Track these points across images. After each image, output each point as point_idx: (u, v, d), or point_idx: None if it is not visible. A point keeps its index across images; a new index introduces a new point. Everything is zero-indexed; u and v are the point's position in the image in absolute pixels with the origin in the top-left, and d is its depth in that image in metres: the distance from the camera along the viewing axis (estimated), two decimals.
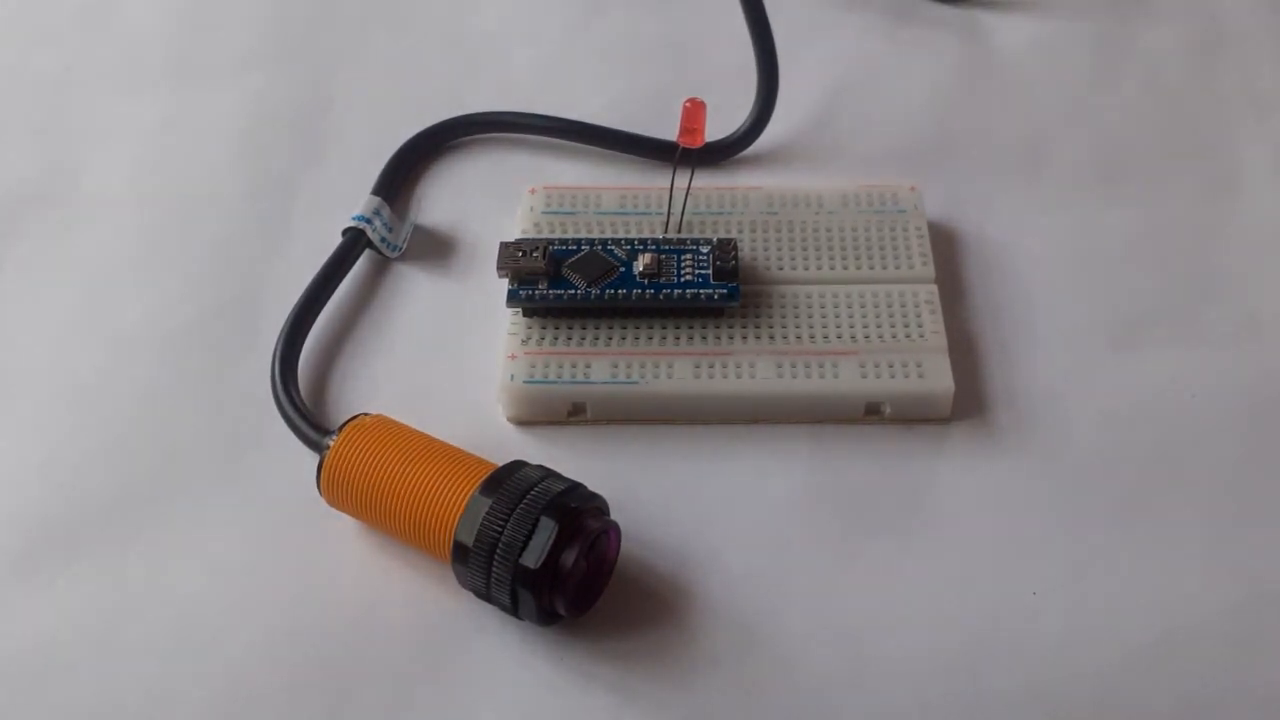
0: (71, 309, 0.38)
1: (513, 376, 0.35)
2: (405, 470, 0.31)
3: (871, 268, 0.37)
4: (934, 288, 0.37)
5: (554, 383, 0.35)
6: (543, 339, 0.36)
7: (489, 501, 0.30)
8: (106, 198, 0.41)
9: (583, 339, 0.36)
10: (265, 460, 0.35)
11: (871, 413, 0.35)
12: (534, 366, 0.35)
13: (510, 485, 0.30)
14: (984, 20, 0.47)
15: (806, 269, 0.37)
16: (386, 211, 0.39)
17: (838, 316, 0.36)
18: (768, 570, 0.32)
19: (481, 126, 0.43)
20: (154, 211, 0.41)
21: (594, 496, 0.31)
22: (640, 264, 0.36)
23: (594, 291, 0.36)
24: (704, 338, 0.36)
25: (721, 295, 0.36)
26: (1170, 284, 0.38)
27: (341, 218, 0.39)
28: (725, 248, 0.36)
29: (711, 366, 0.35)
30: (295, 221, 0.41)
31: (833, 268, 0.37)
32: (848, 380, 0.35)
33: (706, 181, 0.39)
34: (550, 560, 0.29)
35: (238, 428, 0.35)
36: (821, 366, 0.35)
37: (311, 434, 0.33)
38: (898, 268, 0.37)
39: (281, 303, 0.37)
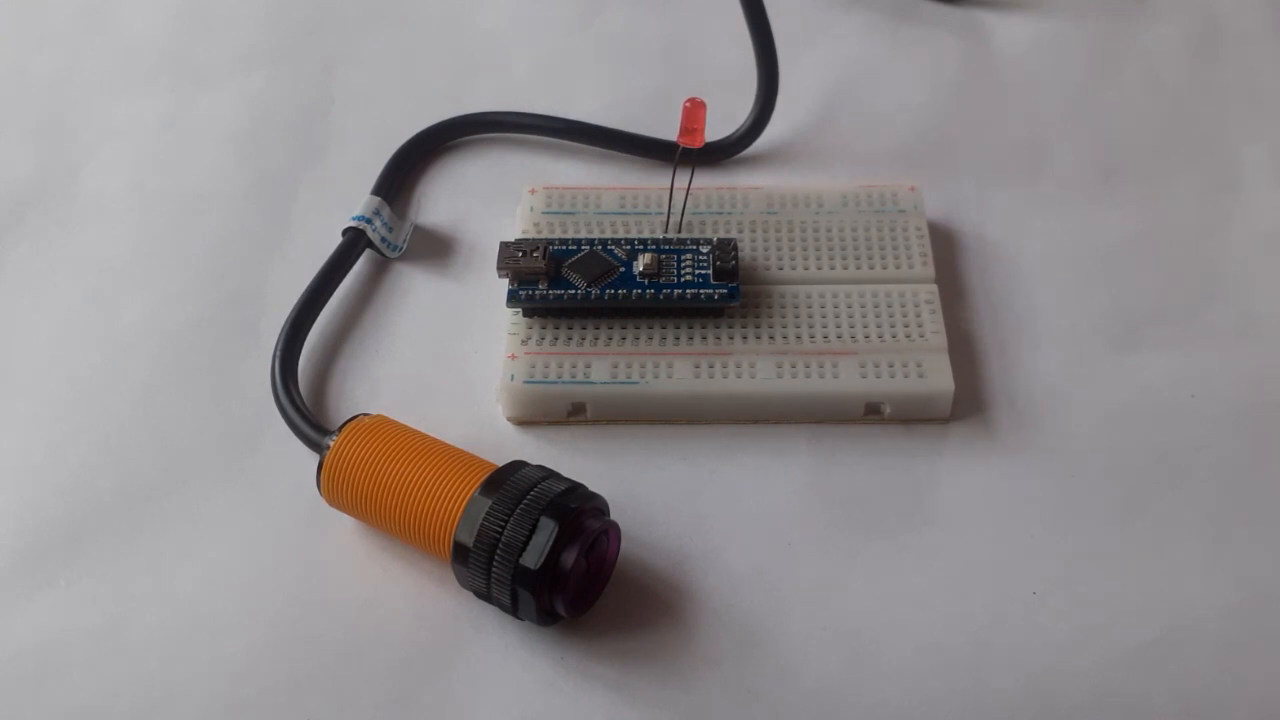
0: (71, 309, 0.38)
1: (513, 376, 0.35)
2: (405, 470, 0.31)
3: (871, 268, 0.37)
4: (934, 288, 0.37)
5: (554, 383, 0.35)
6: (543, 339, 0.36)
7: (489, 502, 0.30)
8: (106, 198, 0.41)
9: (583, 339, 0.36)
10: (265, 460, 0.35)
11: (871, 413, 0.35)
12: (534, 366, 0.35)
13: (510, 485, 0.30)
14: (984, 20, 0.47)
15: (806, 269, 0.37)
16: (386, 211, 0.39)
17: (838, 316, 0.36)
18: (768, 570, 0.32)
19: (481, 126, 0.43)
20: (154, 211, 0.41)
21: (594, 496, 0.31)
22: (640, 264, 0.36)
23: (594, 291, 0.36)
24: (704, 338, 0.36)
25: (721, 295, 0.36)
26: (1170, 284, 0.38)
27: (341, 218, 0.39)
28: (725, 248, 0.36)
29: (711, 366, 0.35)
30: (295, 221, 0.41)
31: (833, 268, 0.37)
32: (848, 380, 0.35)
33: (706, 181, 0.39)
34: (550, 560, 0.29)
35: (238, 428, 0.35)
36: (821, 366, 0.35)
37: (311, 434, 0.33)
38: (898, 268, 0.37)
39: (281, 303, 0.37)
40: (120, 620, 0.32)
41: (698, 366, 0.35)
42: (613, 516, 0.32)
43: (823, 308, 0.36)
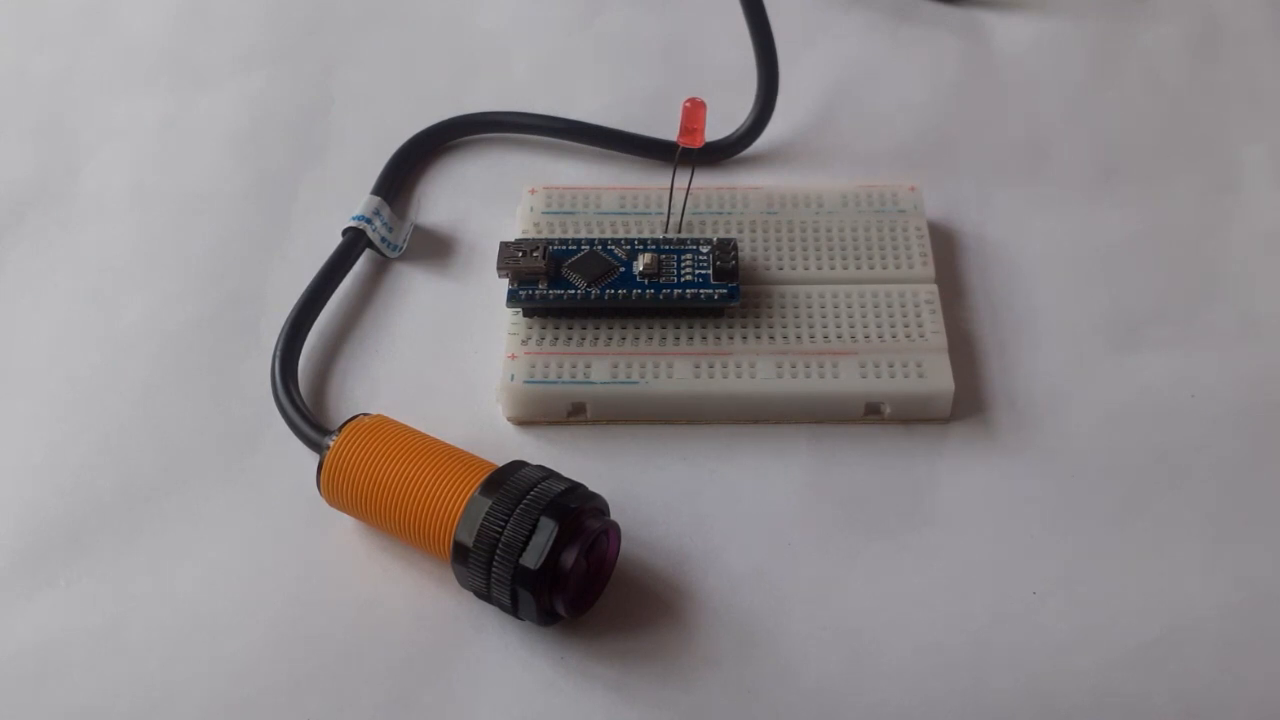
0: (71, 309, 0.38)
1: (513, 376, 0.35)
2: (405, 470, 0.31)
3: (871, 268, 0.37)
4: (934, 288, 0.37)
5: (554, 383, 0.35)
6: (543, 339, 0.36)
7: (489, 502, 0.30)
8: (106, 198, 0.41)
9: (583, 339, 0.36)
10: (265, 460, 0.35)
11: (871, 413, 0.35)
12: (534, 366, 0.35)
13: (510, 485, 0.30)
14: (984, 20, 0.47)
15: (806, 269, 0.37)
16: (386, 211, 0.39)
17: (838, 316, 0.36)
18: (768, 570, 0.32)
19: (481, 126, 0.43)
20: (154, 211, 0.41)
21: (594, 496, 0.31)
22: (640, 264, 0.36)
23: (594, 291, 0.36)
24: (704, 338, 0.36)
25: (721, 295, 0.36)
26: (1170, 284, 0.38)
27: (341, 218, 0.39)
28: (725, 248, 0.36)
29: (711, 366, 0.35)
30: (295, 221, 0.41)
31: (833, 268, 0.37)
32: (848, 380, 0.35)
33: (706, 181, 0.39)
34: (550, 560, 0.29)
35: (238, 428, 0.35)
36: (821, 366, 0.35)
37: (311, 434, 0.33)
38: (898, 268, 0.37)
39: (281, 303, 0.37)
40: (120, 620, 0.32)
41: (698, 366, 0.35)
42: (613, 516, 0.32)
43: (823, 308, 0.36)
